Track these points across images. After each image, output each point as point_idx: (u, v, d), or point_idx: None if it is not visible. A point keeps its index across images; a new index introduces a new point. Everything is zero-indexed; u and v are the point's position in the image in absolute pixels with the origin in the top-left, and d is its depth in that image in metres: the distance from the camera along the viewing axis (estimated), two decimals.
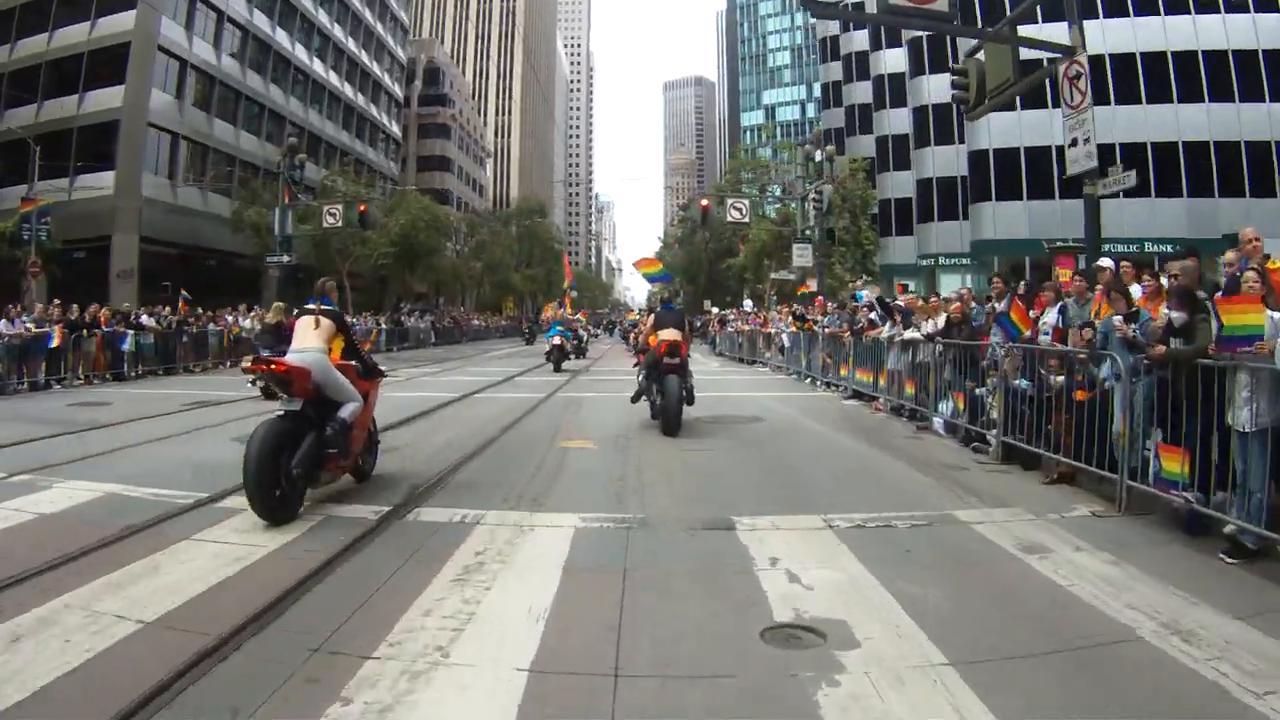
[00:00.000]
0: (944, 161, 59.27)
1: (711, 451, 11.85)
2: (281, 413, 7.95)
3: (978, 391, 11.94)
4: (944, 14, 17.74)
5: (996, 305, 13.18)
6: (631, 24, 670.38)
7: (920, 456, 11.42)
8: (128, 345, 25.02)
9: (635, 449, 12.02)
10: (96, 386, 22.69)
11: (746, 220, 38.06)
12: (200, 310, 32.12)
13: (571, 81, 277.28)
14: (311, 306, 8.57)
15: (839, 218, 43.90)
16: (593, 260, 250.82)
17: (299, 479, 7.69)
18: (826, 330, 21.90)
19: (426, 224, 58.46)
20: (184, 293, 32.04)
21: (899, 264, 60.89)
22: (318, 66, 68.03)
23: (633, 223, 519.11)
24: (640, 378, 14.45)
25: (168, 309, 30.65)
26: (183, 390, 21.04)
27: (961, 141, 56.29)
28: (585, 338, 38.83)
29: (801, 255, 36.00)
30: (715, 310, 54.89)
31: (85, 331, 23.67)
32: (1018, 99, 51.41)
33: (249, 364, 8.60)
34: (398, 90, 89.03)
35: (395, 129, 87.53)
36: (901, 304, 17.50)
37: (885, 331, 16.90)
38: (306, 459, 7.68)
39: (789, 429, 14.42)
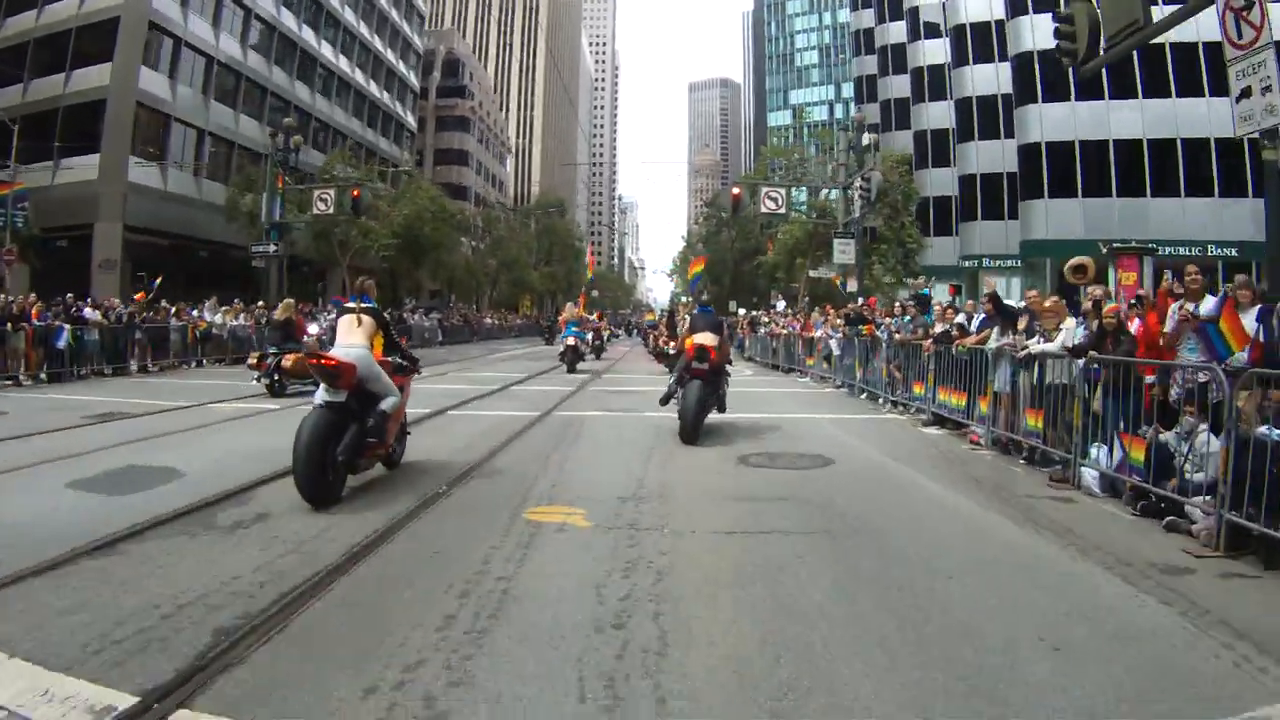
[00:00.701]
0: (989, 157, 55.60)
1: (775, 536, 7.18)
2: (323, 404, 8.22)
3: (1163, 437, 8.03)
4: None
5: (1189, 307, 9.25)
6: (657, 25, 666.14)
7: (1100, 543, 7.14)
8: (63, 342, 21.57)
9: (651, 523, 7.57)
10: (15, 390, 19.60)
11: (782, 212, 34.29)
12: (162, 303, 28.97)
13: (596, 81, 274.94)
14: (352, 305, 9.09)
15: (878, 213, 40.07)
16: (615, 261, 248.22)
17: (343, 465, 8.13)
18: (896, 336, 17.92)
19: (434, 215, 54.94)
20: (150, 280, 29.01)
21: (938, 265, 56.77)
22: (326, 50, 64.94)
23: (656, 224, 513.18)
24: (672, 379, 13.97)
25: (119, 301, 28.04)
26: (106, 397, 17.73)
27: (1009, 135, 52.72)
28: (606, 337, 37.43)
29: (843, 250, 32.28)
30: (743, 312, 51.04)
31: (10, 326, 20.54)
32: (1072, 87, 48.92)
33: (305, 359, 11.46)
34: (413, 79, 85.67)
35: (410, 119, 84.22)
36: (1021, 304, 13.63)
37: (994, 340, 12.83)
38: (350, 447, 8.11)
39: (879, 482, 9.77)
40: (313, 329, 20.72)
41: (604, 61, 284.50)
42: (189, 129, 47.54)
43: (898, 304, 22.19)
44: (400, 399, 9.12)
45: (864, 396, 19.42)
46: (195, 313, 29.50)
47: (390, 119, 78.33)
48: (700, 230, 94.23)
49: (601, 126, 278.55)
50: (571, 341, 27.30)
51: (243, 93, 52.91)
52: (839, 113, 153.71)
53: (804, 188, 46.74)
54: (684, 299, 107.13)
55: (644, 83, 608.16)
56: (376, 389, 8.61)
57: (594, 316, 43.81)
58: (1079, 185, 47.23)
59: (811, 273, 40.05)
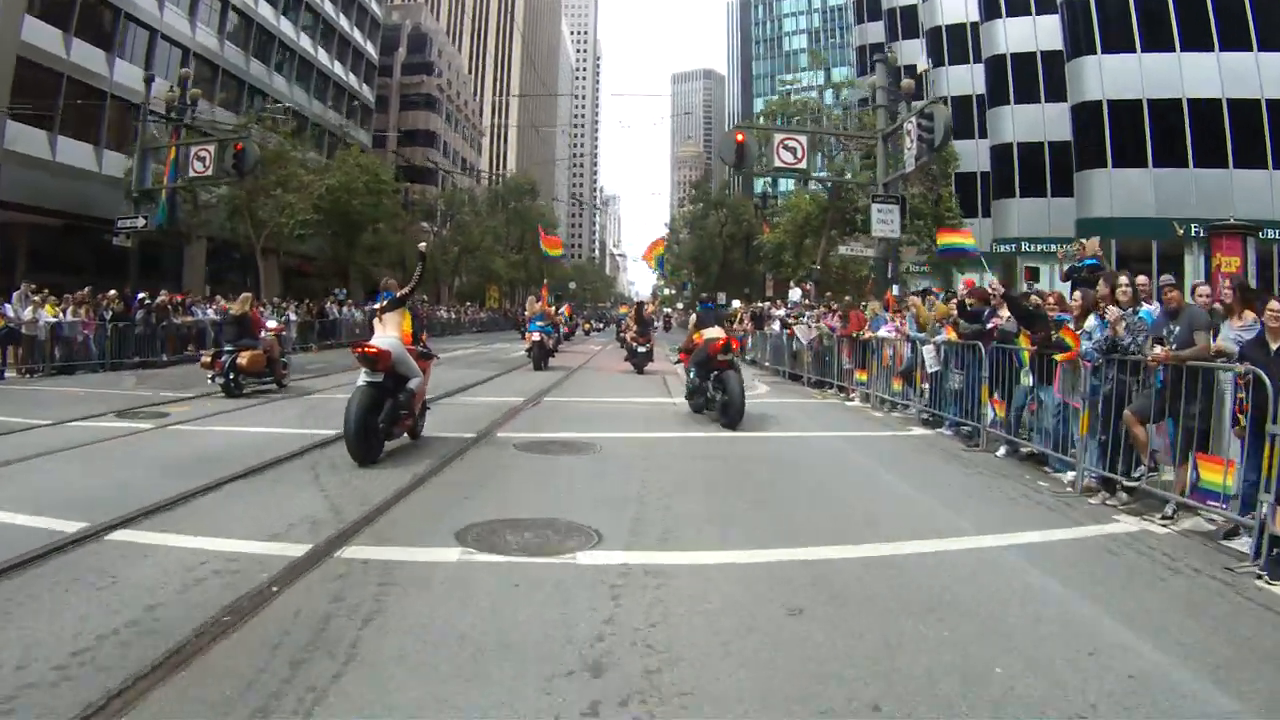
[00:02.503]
0: (1028, 123, 47.83)
1: None
2: (365, 383, 10.03)
3: None
4: None
5: None
6: (640, 15, 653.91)
7: None
8: None
9: None
10: None
11: (802, 166, 25.95)
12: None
13: (577, 70, 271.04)
14: (378, 305, 11.02)
15: (910, 184, 32.55)
16: (595, 253, 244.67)
17: (383, 433, 10.17)
18: (1137, 343, 8.80)
19: (365, 186, 46.10)
20: None
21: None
22: (265, 10, 56.71)
23: (639, 216, 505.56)
24: (691, 375, 14.78)
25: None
26: None
27: (1052, 98, 45.16)
28: (562, 333, 36.12)
29: (885, 219, 24.39)
30: (736, 304, 43.21)
31: None
32: (1137, 38, 41.44)
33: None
34: (370, 49, 77.29)
35: (367, 93, 76.11)
36: None
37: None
38: (388, 417, 10.15)
39: None
40: (271, 323, 20.68)
41: (585, 51, 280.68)
42: (82, 87, 38.72)
43: (989, 285, 14.28)
44: (423, 379, 11.11)
45: (1003, 452, 11.48)
46: (9, 309, 22.02)
47: (343, 92, 70.12)
48: (686, 214, 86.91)
49: (583, 116, 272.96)
50: (537, 337, 25.96)
51: (159, 49, 44.55)
52: (829, 98, 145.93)
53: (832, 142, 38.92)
54: (667, 291, 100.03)
55: (627, 74, 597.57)
56: (405, 371, 10.49)
57: (557, 309, 38.54)
58: (1149, 153, 39.43)
59: (843, 250, 31.84)
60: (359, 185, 44.69)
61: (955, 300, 14.04)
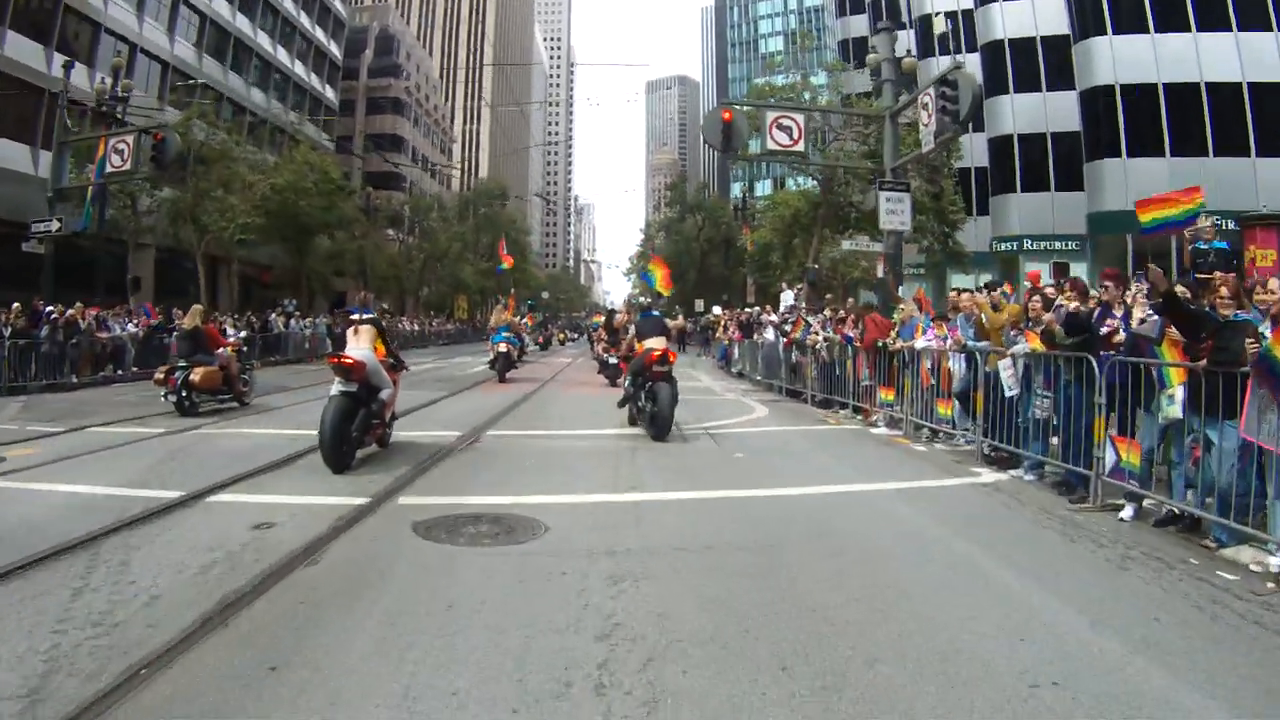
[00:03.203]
0: (1029, 113, 44.69)
1: None
2: (340, 393, 10.27)
3: None
4: None
5: None
6: (613, 23, 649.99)
7: None
8: None
9: None
10: None
11: (798, 149, 22.60)
12: None
13: (551, 76, 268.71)
14: (355, 316, 11.41)
15: (908, 176, 29.62)
16: (570, 262, 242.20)
17: (356, 440, 10.37)
18: None
19: (315, 187, 42.05)
20: None
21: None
22: (221, 6, 53.25)
23: (613, 225, 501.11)
24: (626, 384, 14.50)
25: None
26: None
27: (1055, 86, 42.28)
28: (526, 344, 34.03)
29: (894, 208, 21.24)
30: (718, 310, 40.14)
31: None
32: (1150, 18, 38.61)
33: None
34: (334, 49, 73.98)
35: (330, 94, 72.66)
36: None
37: None
38: (361, 425, 10.37)
39: None
40: (233, 335, 20.58)
41: (558, 57, 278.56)
42: (9, 80, 35.12)
43: (1049, 289, 11.26)
44: (394, 390, 11.53)
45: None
46: None
47: (304, 93, 66.77)
48: (661, 218, 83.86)
49: (557, 123, 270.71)
50: (503, 348, 24.99)
51: (102, 43, 41.04)
52: (822, 79, 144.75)
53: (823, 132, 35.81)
54: (642, 299, 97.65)
55: (600, 82, 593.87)
56: (378, 381, 10.83)
57: (522, 318, 38.31)
58: (1166, 140, 36.52)
59: (846, 245, 28.58)
60: (308, 185, 40.96)
61: (1031, 296, 10.56)
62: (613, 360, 22.29)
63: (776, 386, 21.24)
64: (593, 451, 11.85)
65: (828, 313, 19.99)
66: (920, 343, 13.36)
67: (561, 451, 11.89)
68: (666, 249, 75.91)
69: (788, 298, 28.19)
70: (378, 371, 10.77)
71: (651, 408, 13.09)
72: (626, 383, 14.45)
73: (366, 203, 58.42)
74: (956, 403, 11.91)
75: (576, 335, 70.68)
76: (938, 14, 49.90)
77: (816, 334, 18.17)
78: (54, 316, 22.52)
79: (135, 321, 26.35)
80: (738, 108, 24.36)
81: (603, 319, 30.47)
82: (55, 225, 25.45)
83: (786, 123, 22.30)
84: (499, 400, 18.14)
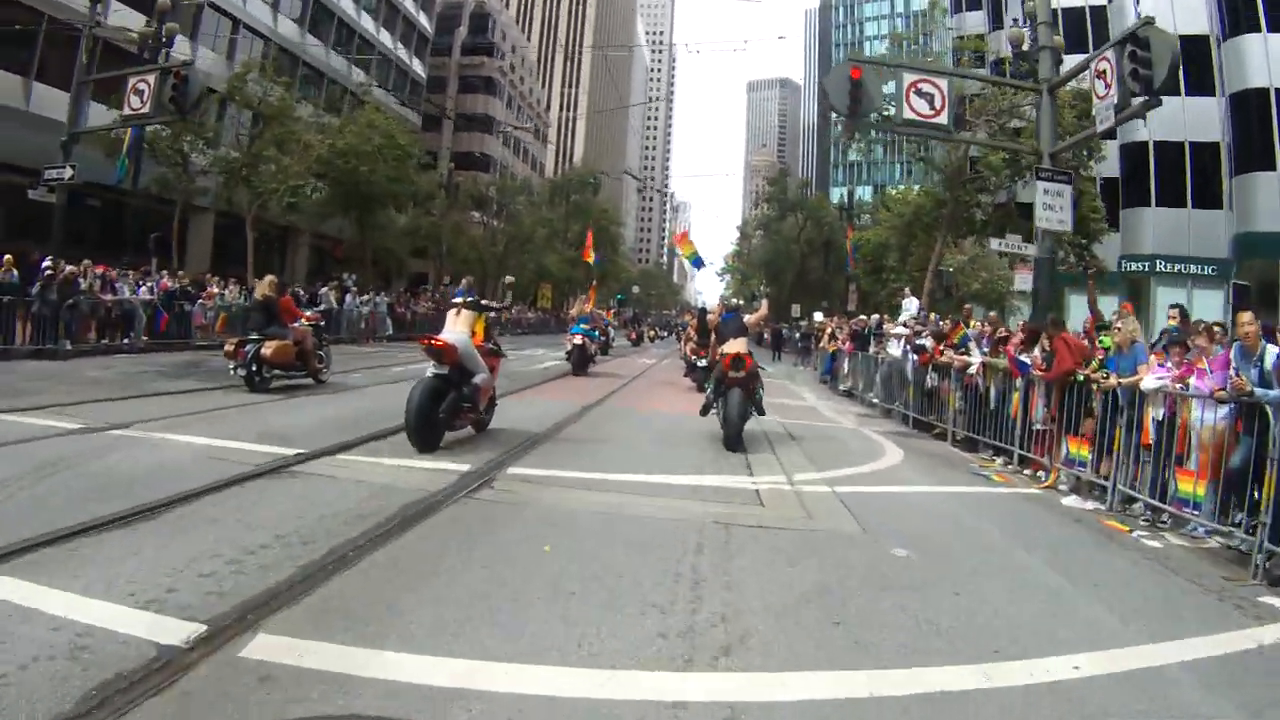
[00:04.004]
0: (1166, 119, 39.71)
1: None
2: (431, 375, 10.33)
3: None
4: None
5: None
6: (716, 23, 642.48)
7: None
8: None
9: None
10: None
11: (941, 120, 18.30)
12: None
13: (652, 72, 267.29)
14: (458, 300, 11.54)
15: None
16: (664, 260, 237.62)
17: (443, 422, 10.30)
18: None
19: (379, 152, 38.62)
20: None
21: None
22: None
23: (709, 227, 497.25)
24: (709, 391, 13.47)
25: None
26: None
27: (1196, 90, 37.87)
28: (612, 336, 34.04)
29: (1052, 204, 17.23)
30: (819, 318, 36.16)
31: None
32: None
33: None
34: (423, 20, 71.30)
35: (418, 67, 70.00)
36: None
37: None
38: (449, 408, 10.33)
39: None
40: (307, 311, 18.83)
41: (660, 54, 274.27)
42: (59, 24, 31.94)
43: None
44: (490, 376, 11.18)
45: None
46: None
47: (390, 64, 64.06)
48: (758, 216, 79.83)
49: (655, 118, 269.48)
50: (579, 340, 24.62)
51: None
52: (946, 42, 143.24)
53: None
54: (736, 301, 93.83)
55: (701, 82, 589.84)
56: (472, 366, 10.67)
57: (603, 312, 37.43)
58: None
59: (996, 244, 24.18)
60: (370, 149, 37.65)
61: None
62: (702, 364, 20.25)
63: (898, 413, 17.58)
64: (659, 530, 7.08)
65: (982, 326, 15.82)
66: (1151, 381, 9.17)
67: (606, 524, 7.18)
68: (764, 249, 72.32)
69: (910, 306, 23.96)
70: (471, 356, 10.72)
71: (721, 415, 12.53)
72: (709, 390, 13.73)
73: (448, 180, 55.10)
74: (1231, 483, 7.76)
75: (666, 333, 68.05)
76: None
77: (969, 356, 14.28)
78: (49, 273, 19.46)
79: (151, 285, 23.19)
80: (869, 66, 19.94)
81: (692, 318, 27.76)
82: (68, 173, 22.35)
83: (928, 89, 18.18)
84: (550, 410, 14.31)
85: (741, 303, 68.06)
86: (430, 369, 10.35)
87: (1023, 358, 12.03)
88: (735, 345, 12.81)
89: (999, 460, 12.39)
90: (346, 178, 36.48)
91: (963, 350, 14.62)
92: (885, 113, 22.97)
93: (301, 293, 29.39)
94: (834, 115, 37.73)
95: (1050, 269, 18.40)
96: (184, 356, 21.00)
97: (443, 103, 75.62)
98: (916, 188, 38.76)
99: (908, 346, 17.58)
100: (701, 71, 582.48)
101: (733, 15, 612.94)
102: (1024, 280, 22.46)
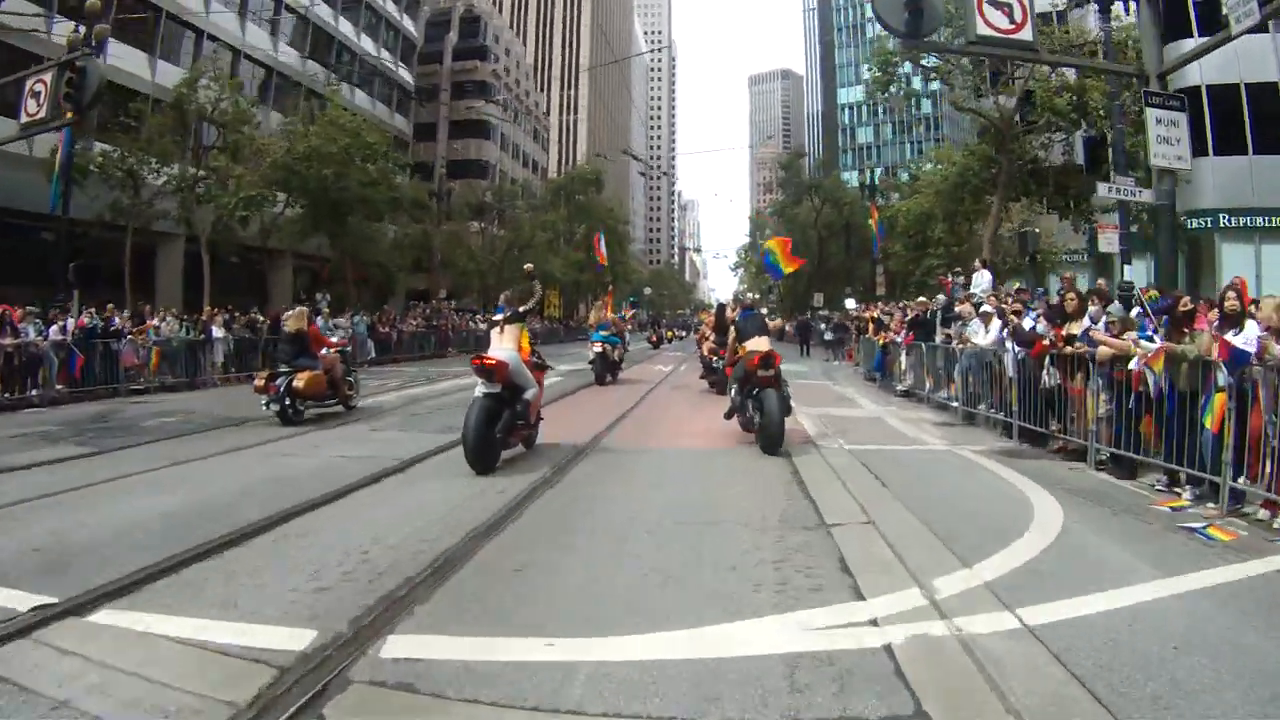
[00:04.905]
0: (1217, 61, 35.78)
1: None
2: (483, 395, 10.14)
3: None
4: None
5: None
6: (714, 17, 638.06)
7: None
8: None
9: None
10: None
11: (1025, 34, 14.11)
12: None
13: (652, 70, 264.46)
14: (499, 317, 11.37)
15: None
16: (674, 258, 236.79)
17: (500, 442, 10.23)
18: None
19: (346, 153, 34.30)
20: None
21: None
22: None
23: (717, 225, 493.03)
24: (732, 392, 12.76)
25: None
26: None
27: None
28: (627, 340, 30.02)
29: (1167, 135, 13.84)
30: (853, 305, 32.56)
31: None
32: None
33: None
34: (409, 24, 67.95)
35: (405, 74, 66.61)
36: None
37: None
38: (506, 427, 10.19)
39: None
40: (334, 338, 19.01)
41: (659, 53, 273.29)
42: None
43: None
44: (538, 390, 11.22)
45: None
46: None
47: (375, 72, 60.50)
48: (772, 201, 76.26)
49: (658, 116, 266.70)
50: (599, 348, 23.40)
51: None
52: (918, 85, 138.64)
53: None
54: (749, 295, 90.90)
55: (702, 77, 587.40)
56: (521, 382, 10.60)
57: (624, 313, 33.69)
58: None
59: (1103, 189, 20.01)
60: (335, 151, 33.52)
61: None
62: (719, 363, 19.01)
63: (992, 419, 13.65)
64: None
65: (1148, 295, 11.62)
66: None
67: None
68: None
69: (981, 280, 19.79)
70: (521, 371, 10.64)
71: (760, 419, 11.84)
72: (732, 391, 12.97)
73: (439, 187, 51.39)
74: None
75: (684, 334, 66.09)
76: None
77: (1130, 342, 9.70)
78: None
79: (63, 323, 19.63)
80: None
81: (709, 317, 25.77)
82: None
83: None
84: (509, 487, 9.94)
85: (758, 297, 64.54)
86: (480, 388, 10.25)
87: (1239, 343, 7.95)
88: (760, 343, 12.38)
89: (1187, 493, 8.49)
90: (314, 186, 32.68)
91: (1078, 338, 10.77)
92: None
93: (260, 319, 26.09)
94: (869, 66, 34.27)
95: (1172, 219, 14.61)
96: (92, 408, 17.53)
97: (436, 110, 74.05)
98: (959, 152, 34.74)
99: (1004, 332, 13.43)
100: (703, 69, 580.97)
101: (731, 8, 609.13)
102: (1108, 241, 18.62)
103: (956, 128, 67.90)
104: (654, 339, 51.29)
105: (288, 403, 14.71)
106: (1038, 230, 29.03)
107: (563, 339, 56.13)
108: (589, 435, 12.76)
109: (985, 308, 15.00)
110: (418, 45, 70.79)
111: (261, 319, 27.04)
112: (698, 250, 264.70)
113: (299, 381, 14.67)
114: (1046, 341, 11.75)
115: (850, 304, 35.54)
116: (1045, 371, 11.53)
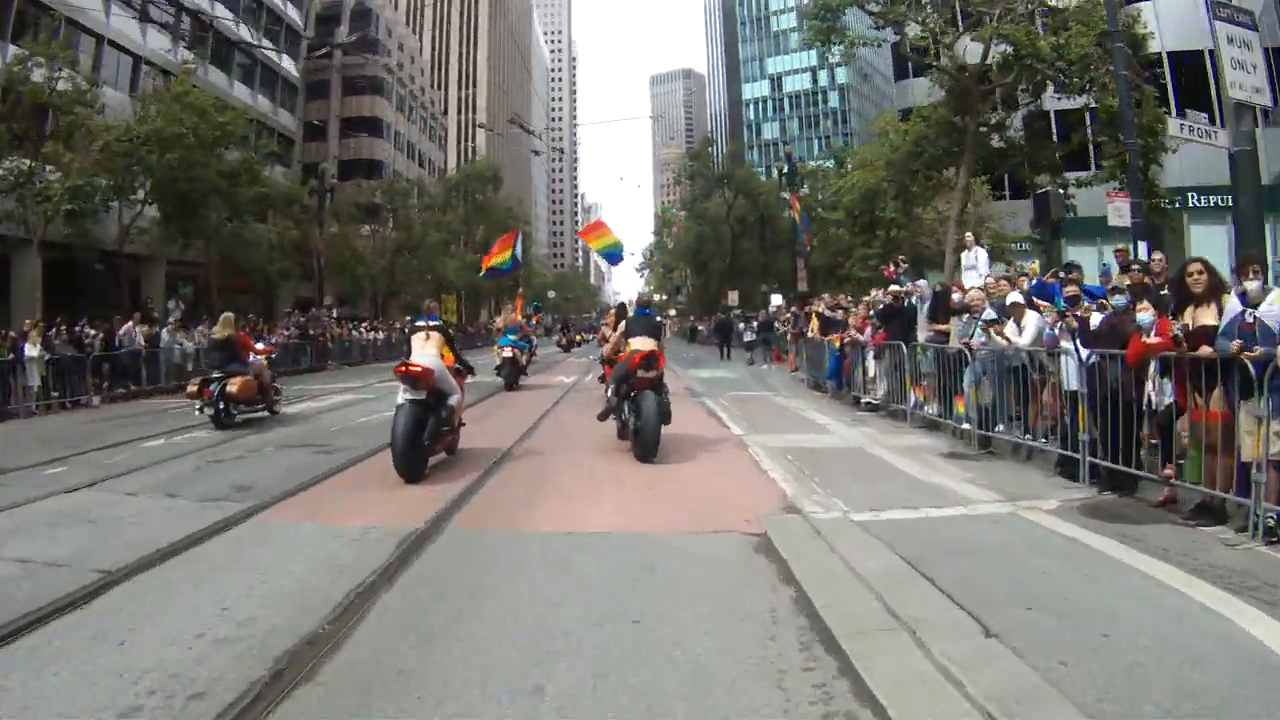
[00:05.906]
0: (1181, 26, 33.01)
1: None
2: (404, 402, 10.14)
3: None
4: None
5: None
6: (615, 17, 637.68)
7: None
8: None
9: None
10: None
11: None
12: None
13: (552, 71, 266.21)
14: (421, 324, 11.15)
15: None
16: (579, 262, 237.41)
17: (427, 449, 10.33)
18: None
19: (195, 135, 29.95)
20: None
21: (1094, 214, 33.23)
22: None
23: (622, 226, 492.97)
24: (609, 392, 12.71)
25: None
26: None
27: None
28: (534, 344, 30.63)
29: (1243, 61, 11.16)
30: (779, 301, 29.76)
31: None
32: None
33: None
34: (294, 15, 64.03)
35: (289, 66, 62.57)
36: None
37: None
38: (432, 433, 10.30)
39: None
40: (260, 344, 19.49)
41: (560, 52, 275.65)
42: None
43: None
44: (461, 395, 11.37)
45: None
46: None
47: (257, 64, 56.59)
48: (680, 196, 73.78)
49: (560, 118, 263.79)
50: (509, 353, 23.87)
51: None
52: (823, 81, 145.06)
53: None
54: (658, 297, 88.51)
55: (604, 77, 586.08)
56: (445, 388, 10.73)
57: (529, 320, 34.54)
58: None
59: (1175, 125, 16.88)
60: (180, 133, 29.18)
61: None
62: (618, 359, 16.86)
63: (1017, 447, 10.57)
64: None
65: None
66: None
67: None
68: (688, 235, 66.49)
69: (972, 258, 16.22)
70: (445, 378, 10.75)
71: (635, 422, 11.42)
72: (609, 391, 12.72)
73: (321, 183, 47.20)
74: None
75: (591, 337, 63.45)
76: None
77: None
78: None
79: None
80: None
81: (610, 317, 24.09)
82: None
83: None
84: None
85: (665, 298, 61.74)
86: (404, 395, 10.24)
87: None
88: (644, 342, 12.02)
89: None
90: (159, 175, 28.64)
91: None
92: None
93: (91, 333, 22.35)
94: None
95: (1254, 166, 11.69)
96: None
97: (325, 108, 70.95)
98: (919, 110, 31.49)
99: (1056, 329, 9.72)
100: (604, 69, 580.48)
101: (631, 7, 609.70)
102: (1118, 213, 15.67)
103: (863, 120, 66.50)
104: (564, 343, 51.62)
105: (221, 407, 15.34)
106: (1064, 194, 26.30)
107: (462, 346, 51.95)
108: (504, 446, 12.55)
109: (1014, 296, 11.29)
110: (304, 37, 66.61)
111: (93, 333, 22.95)
112: (607, 272, 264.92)
113: (233, 386, 15.40)
114: (1155, 340, 7.79)
115: (776, 300, 32.54)
116: (1152, 384, 7.92)
